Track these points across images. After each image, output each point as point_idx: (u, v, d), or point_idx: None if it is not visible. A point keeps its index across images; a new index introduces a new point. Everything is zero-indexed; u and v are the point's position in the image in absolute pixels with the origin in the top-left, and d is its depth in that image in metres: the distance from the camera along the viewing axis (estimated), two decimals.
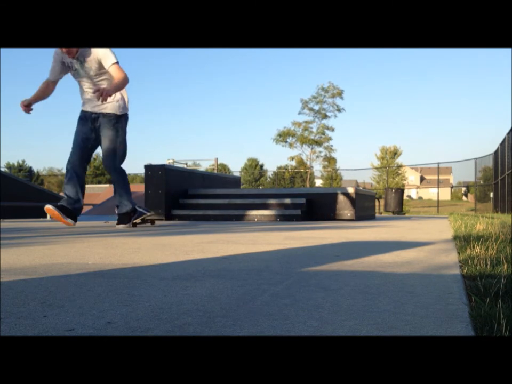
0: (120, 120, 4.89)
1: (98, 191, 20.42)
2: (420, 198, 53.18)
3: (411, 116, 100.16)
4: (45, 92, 4.81)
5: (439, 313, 1.13)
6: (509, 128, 16.04)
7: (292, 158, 31.45)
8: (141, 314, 1.12)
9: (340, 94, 29.18)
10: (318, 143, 30.05)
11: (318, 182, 41.10)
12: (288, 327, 1.00)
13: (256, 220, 7.91)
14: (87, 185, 6.08)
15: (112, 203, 11.80)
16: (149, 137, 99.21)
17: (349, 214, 7.96)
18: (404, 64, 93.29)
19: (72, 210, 4.80)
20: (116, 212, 5.17)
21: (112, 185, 5.38)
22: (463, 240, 2.94)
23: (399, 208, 18.81)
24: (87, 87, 4.81)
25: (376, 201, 16.58)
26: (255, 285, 1.51)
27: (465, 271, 1.80)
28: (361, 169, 34.21)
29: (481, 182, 24.73)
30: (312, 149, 30.38)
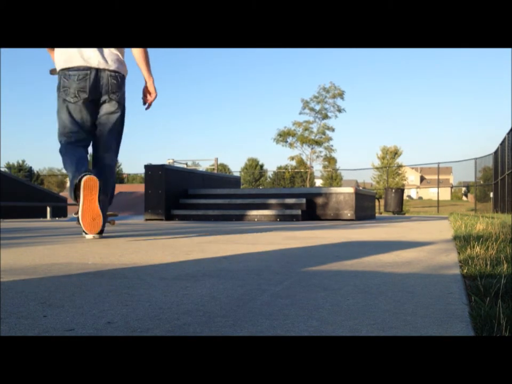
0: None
1: None
2: (420, 198, 53.17)
3: (411, 116, 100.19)
4: None
5: (439, 313, 1.13)
6: (509, 128, 16.04)
7: (292, 158, 31.46)
8: (141, 314, 1.12)
9: (340, 94, 29.18)
10: (318, 143, 30.05)
11: (318, 182, 41.09)
12: (288, 327, 1.00)
13: (256, 219, 7.90)
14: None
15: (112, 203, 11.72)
16: (149, 137, 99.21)
17: (349, 214, 7.96)
18: (404, 64, 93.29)
19: None
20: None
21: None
22: (463, 240, 2.93)
23: (399, 208, 18.81)
24: None
25: (376, 201, 16.58)
26: (255, 285, 1.51)
27: (465, 271, 1.80)
28: (361, 169, 34.16)
29: (481, 182, 24.72)
30: (312, 149, 30.38)
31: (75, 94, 3.36)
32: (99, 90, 3.40)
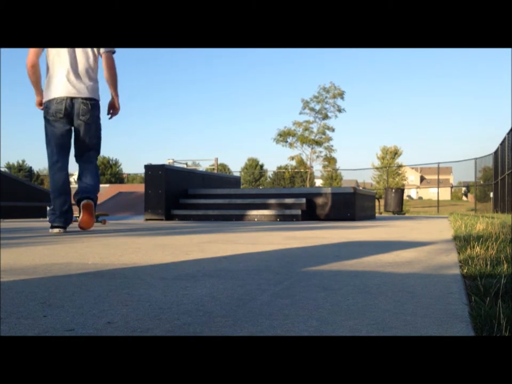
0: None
1: None
2: (420, 198, 53.16)
3: (411, 116, 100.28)
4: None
5: (439, 313, 1.13)
6: (509, 128, 16.04)
7: (292, 158, 31.44)
8: (141, 314, 1.12)
9: (340, 94, 29.15)
10: (318, 143, 30.02)
11: (318, 182, 41.11)
12: (288, 327, 1.00)
13: (256, 219, 7.91)
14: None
15: (112, 203, 11.70)
16: (149, 137, 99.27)
17: (348, 214, 7.96)
18: (404, 64, 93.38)
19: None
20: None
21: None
22: (463, 240, 2.93)
23: (399, 208, 18.81)
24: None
25: (376, 201, 16.57)
26: (255, 285, 1.51)
27: (465, 271, 1.80)
28: (361, 169, 34.16)
29: (481, 182, 24.72)
30: (312, 148, 30.36)
31: (53, 114, 4.32)
32: (72, 114, 4.35)
